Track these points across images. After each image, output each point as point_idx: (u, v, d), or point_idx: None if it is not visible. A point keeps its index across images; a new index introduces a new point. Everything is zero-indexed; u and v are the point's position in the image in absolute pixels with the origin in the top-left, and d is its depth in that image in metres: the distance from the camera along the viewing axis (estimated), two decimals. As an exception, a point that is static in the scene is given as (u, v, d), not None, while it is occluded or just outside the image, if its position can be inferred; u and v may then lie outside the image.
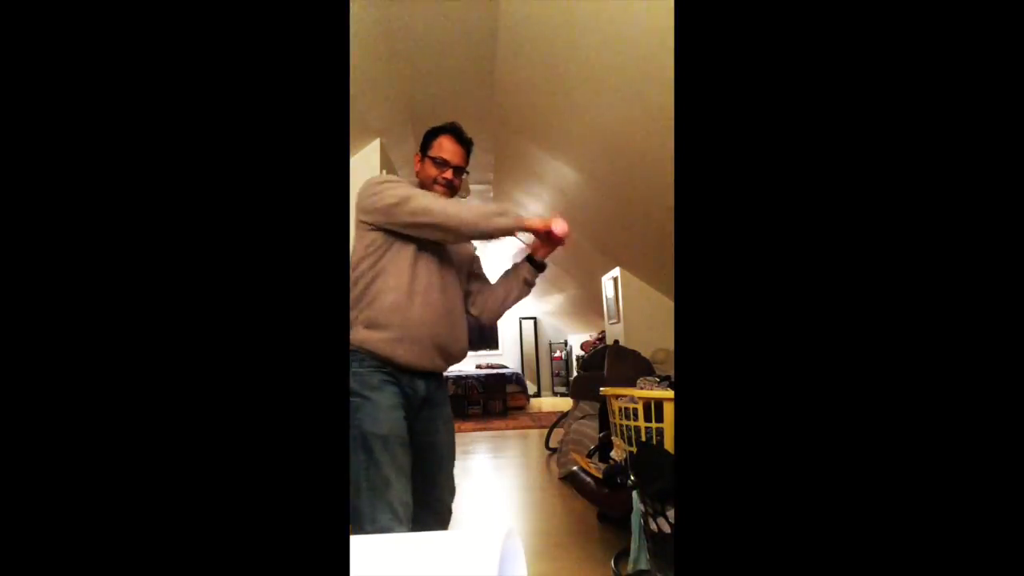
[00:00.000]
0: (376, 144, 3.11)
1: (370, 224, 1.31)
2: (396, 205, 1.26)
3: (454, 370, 7.83)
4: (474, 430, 5.84)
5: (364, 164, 3.07)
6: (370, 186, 1.33)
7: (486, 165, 4.29)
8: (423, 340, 1.29)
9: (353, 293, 1.29)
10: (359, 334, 1.26)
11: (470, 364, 8.59)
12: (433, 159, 1.42)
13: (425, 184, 1.42)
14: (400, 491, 1.20)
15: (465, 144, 1.46)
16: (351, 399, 1.22)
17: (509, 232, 1.34)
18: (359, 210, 1.33)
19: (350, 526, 1.15)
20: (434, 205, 1.27)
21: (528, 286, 1.49)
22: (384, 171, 3.15)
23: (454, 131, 1.45)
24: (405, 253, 1.30)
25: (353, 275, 1.30)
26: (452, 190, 1.44)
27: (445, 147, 1.42)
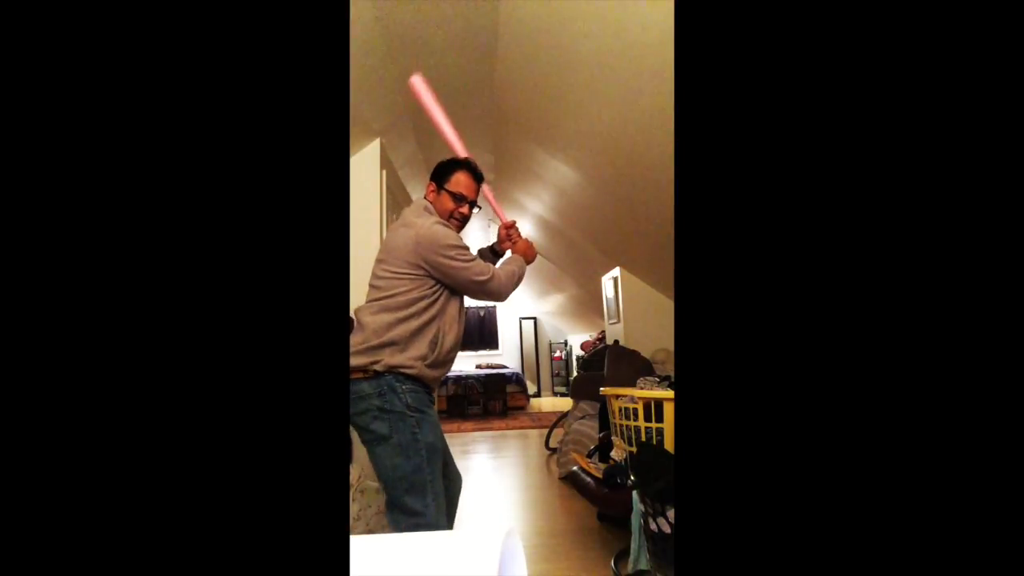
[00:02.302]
0: (376, 144, 3.10)
1: (431, 273, 1.40)
2: (483, 283, 1.44)
3: (454, 370, 7.83)
4: (474, 430, 5.84)
5: (364, 164, 3.07)
6: (447, 248, 1.40)
7: (486, 165, 4.29)
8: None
9: (406, 326, 1.38)
10: (421, 370, 1.38)
11: (470, 364, 8.58)
12: (452, 193, 1.52)
13: (441, 215, 1.52)
14: (440, 489, 1.40)
15: (479, 180, 1.57)
16: (412, 414, 1.36)
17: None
18: (425, 260, 1.39)
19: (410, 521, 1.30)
20: (502, 287, 1.49)
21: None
22: (384, 172, 3.14)
23: (470, 167, 1.55)
24: (456, 301, 1.48)
25: (405, 311, 1.39)
26: (465, 223, 1.56)
27: (463, 183, 1.53)
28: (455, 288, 1.45)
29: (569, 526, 2.60)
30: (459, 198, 1.52)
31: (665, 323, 4.46)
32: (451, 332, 1.46)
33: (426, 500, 1.33)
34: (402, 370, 1.35)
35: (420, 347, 1.38)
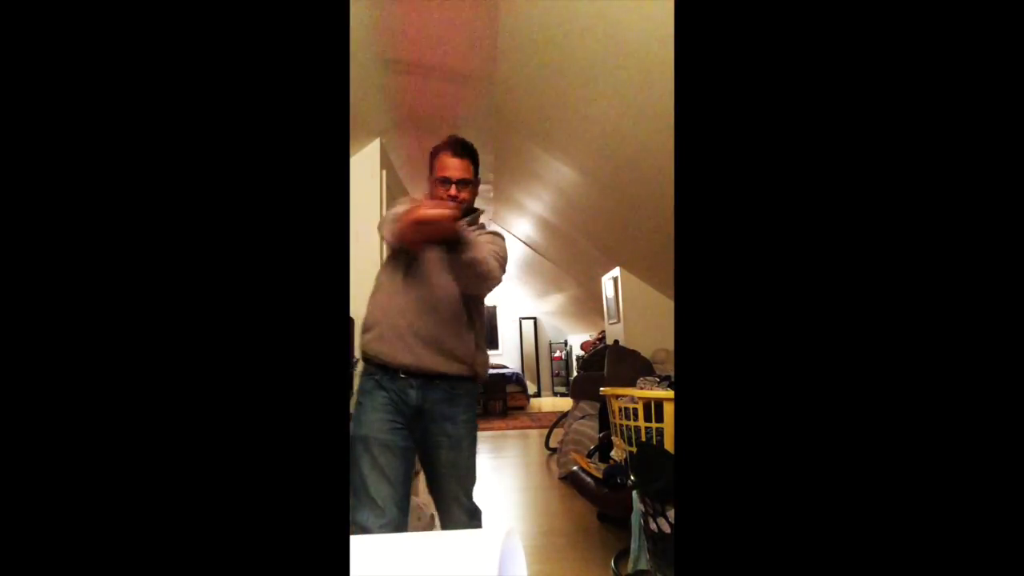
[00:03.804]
0: (376, 144, 3.10)
1: (387, 241, 1.32)
2: (384, 220, 1.31)
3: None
4: (474, 430, 5.82)
5: (364, 164, 3.07)
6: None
7: (486, 165, 4.29)
8: (400, 330, 1.30)
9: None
10: (362, 341, 1.31)
11: (470, 364, 8.56)
12: (437, 179, 1.40)
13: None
14: (373, 492, 1.23)
15: (465, 154, 1.41)
16: (359, 400, 1.29)
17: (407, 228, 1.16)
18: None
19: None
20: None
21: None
22: (384, 171, 3.14)
23: (451, 145, 1.41)
24: (400, 262, 1.36)
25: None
26: (462, 204, 1.40)
27: (445, 164, 1.39)
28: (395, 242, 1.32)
29: (569, 526, 2.60)
30: (442, 181, 1.38)
31: (665, 323, 4.46)
32: (383, 287, 1.35)
33: (355, 507, 1.21)
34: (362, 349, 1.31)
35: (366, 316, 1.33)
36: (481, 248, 1.22)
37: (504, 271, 1.36)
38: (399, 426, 1.29)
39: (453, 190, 1.38)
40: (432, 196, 1.40)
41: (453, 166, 1.39)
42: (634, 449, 1.92)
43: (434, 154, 1.42)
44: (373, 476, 1.23)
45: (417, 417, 1.32)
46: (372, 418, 1.28)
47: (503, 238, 1.46)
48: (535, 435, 5.37)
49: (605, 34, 2.10)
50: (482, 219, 1.55)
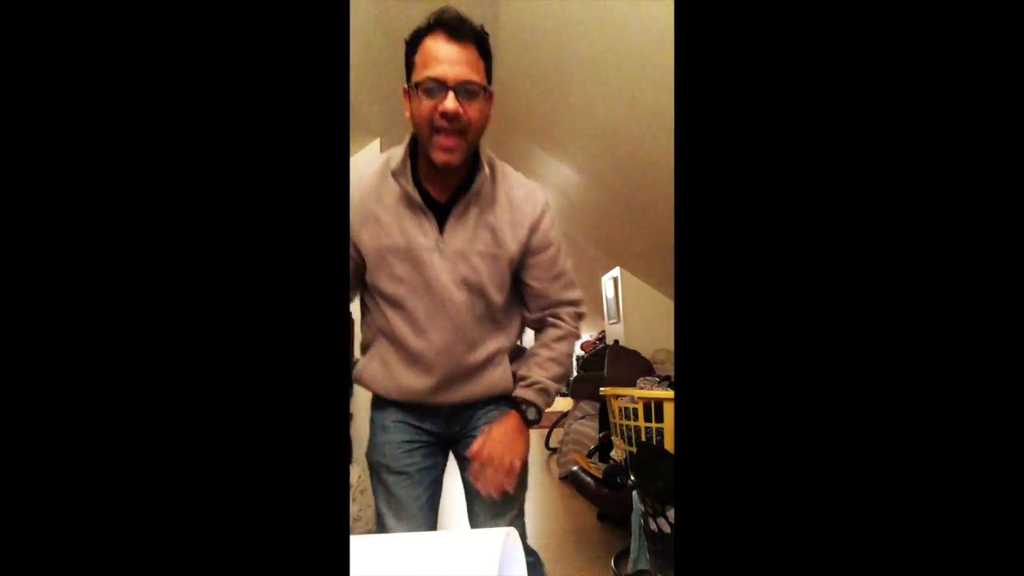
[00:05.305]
0: (376, 144, 3.10)
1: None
2: None
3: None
4: (474, 430, 5.82)
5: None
6: None
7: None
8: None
9: None
10: None
11: (470, 364, 8.54)
12: (421, 87, 0.80)
13: (421, 131, 0.84)
14: (391, 526, 1.04)
15: (467, 38, 0.82)
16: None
17: None
18: None
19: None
20: None
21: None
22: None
23: (443, 23, 0.81)
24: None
25: None
26: (460, 133, 0.83)
27: (435, 56, 0.79)
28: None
29: (569, 526, 2.61)
30: (430, 89, 0.79)
31: (665, 323, 4.46)
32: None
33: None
34: None
35: None
36: (542, 388, 1.07)
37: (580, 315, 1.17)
38: (419, 450, 1.09)
39: (450, 102, 0.79)
40: (415, 116, 0.83)
41: (451, 57, 0.79)
42: (634, 449, 1.92)
43: (413, 43, 0.83)
44: (387, 509, 1.06)
45: (437, 444, 1.13)
46: (385, 440, 1.07)
47: (549, 212, 1.02)
48: (535, 435, 5.37)
49: (605, 33, 2.10)
50: (496, 172, 0.97)
